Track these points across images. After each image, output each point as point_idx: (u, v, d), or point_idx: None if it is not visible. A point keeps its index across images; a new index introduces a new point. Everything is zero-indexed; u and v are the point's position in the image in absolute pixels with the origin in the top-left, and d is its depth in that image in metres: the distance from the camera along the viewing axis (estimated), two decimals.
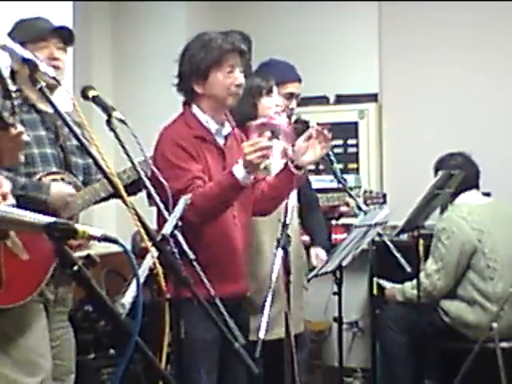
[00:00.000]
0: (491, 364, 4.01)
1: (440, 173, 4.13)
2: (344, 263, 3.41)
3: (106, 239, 1.48)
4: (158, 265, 2.13)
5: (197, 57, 2.92)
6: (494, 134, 5.12)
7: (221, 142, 2.99)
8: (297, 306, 3.27)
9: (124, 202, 2.09)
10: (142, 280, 2.05)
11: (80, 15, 5.15)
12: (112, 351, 4.31)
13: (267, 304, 2.66)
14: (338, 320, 3.57)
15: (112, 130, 2.23)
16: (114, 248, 1.52)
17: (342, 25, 5.56)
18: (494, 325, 3.97)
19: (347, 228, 4.35)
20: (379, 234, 3.57)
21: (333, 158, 3.54)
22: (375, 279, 4.08)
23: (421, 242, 4.23)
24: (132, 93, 5.40)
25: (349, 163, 5.37)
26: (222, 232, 2.90)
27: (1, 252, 2.53)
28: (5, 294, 2.57)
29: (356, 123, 5.41)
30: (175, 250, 2.29)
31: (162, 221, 2.45)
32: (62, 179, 2.80)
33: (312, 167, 4.80)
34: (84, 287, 1.50)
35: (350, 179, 5.18)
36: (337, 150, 5.16)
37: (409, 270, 3.62)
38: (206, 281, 2.31)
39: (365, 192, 4.28)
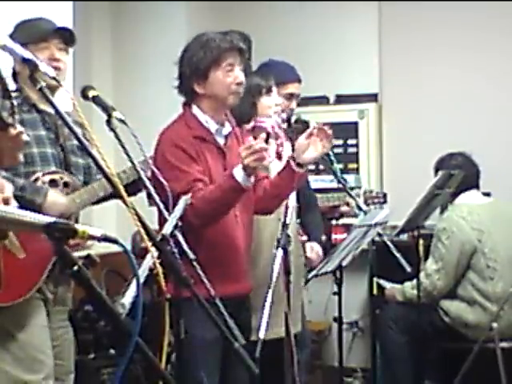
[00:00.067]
0: (491, 364, 4.01)
1: (440, 173, 4.13)
2: (344, 263, 3.41)
3: (106, 239, 1.49)
4: (157, 265, 2.13)
5: (196, 57, 2.92)
6: (494, 134, 5.12)
7: (221, 141, 2.99)
8: (294, 306, 3.26)
9: (124, 202, 2.10)
10: (142, 280, 2.05)
11: (80, 15, 5.15)
12: (112, 351, 4.31)
13: (267, 304, 2.66)
14: (338, 320, 3.57)
15: (112, 130, 2.23)
16: (114, 248, 1.52)
17: (341, 25, 5.56)
18: (494, 325, 3.98)
19: (347, 228, 4.35)
20: (379, 234, 3.57)
21: (333, 157, 3.54)
22: (375, 279, 4.07)
23: (421, 242, 4.23)
24: (132, 93, 5.40)
25: (349, 163, 5.37)
26: (224, 231, 2.90)
27: (0, 252, 2.54)
28: (3, 293, 2.58)
29: (356, 123, 5.41)
30: (175, 250, 2.30)
31: (163, 221, 2.45)
32: (61, 178, 2.80)
33: (312, 167, 4.80)
34: (84, 287, 1.50)
35: (350, 179, 5.17)
36: (337, 150, 5.16)
37: (409, 269, 3.62)
38: (206, 281, 2.32)
39: (365, 192, 4.28)
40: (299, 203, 3.65)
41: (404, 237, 4.65)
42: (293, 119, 3.62)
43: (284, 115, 3.50)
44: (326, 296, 4.37)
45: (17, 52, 2.16)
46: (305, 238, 3.81)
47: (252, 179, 2.80)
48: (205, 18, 5.54)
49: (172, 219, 2.37)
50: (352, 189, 4.01)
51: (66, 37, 2.87)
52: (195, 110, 2.97)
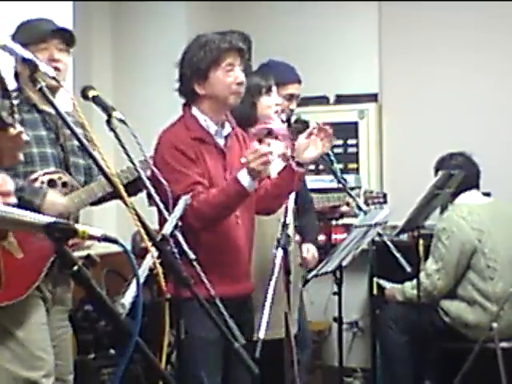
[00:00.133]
0: (491, 364, 4.01)
1: (440, 173, 4.13)
2: (344, 263, 3.41)
3: (106, 239, 1.49)
4: (158, 265, 2.13)
5: (196, 58, 2.92)
6: (494, 134, 5.12)
7: (221, 142, 2.99)
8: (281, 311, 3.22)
9: (124, 202, 2.10)
10: (142, 280, 2.05)
11: (80, 15, 5.15)
12: (112, 351, 4.31)
13: (267, 304, 2.66)
14: (338, 320, 3.57)
15: (112, 130, 2.24)
16: (114, 248, 1.52)
17: (341, 25, 5.56)
18: (494, 325, 3.97)
19: (347, 228, 4.35)
20: (379, 234, 3.57)
21: (333, 157, 3.54)
22: (375, 279, 4.07)
23: (421, 242, 4.23)
24: (132, 93, 5.40)
25: (349, 163, 5.37)
26: (224, 232, 2.91)
27: None
28: (3, 293, 2.59)
29: (356, 123, 5.41)
30: (175, 250, 2.30)
31: (163, 221, 2.45)
32: (59, 178, 2.81)
33: (312, 167, 4.80)
34: (84, 287, 1.50)
35: (350, 179, 5.17)
36: (337, 150, 5.15)
37: (409, 269, 3.62)
38: (206, 281, 2.32)
39: (365, 192, 4.28)
40: (296, 204, 3.64)
41: (404, 237, 4.65)
42: (293, 119, 3.62)
43: (284, 115, 3.50)
44: (326, 296, 4.37)
45: (17, 52, 2.16)
46: (297, 237, 3.80)
47: (256, 183, 2.81)
48: (205, 18, 5.54)
49: (172, 219, 2.37)
50: (352, 189, 4.01)
51: (66, 37, 2.87)
52: (195, 111, 2.97)
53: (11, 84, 2.80)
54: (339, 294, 3.50)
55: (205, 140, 2.95)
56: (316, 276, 3.31)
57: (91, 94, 2.34)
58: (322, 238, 4.64)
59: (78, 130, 2.24)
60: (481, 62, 5.19)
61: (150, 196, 2.34)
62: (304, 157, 2.97)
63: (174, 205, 2.47)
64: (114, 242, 1.49)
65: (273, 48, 5.00)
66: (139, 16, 5.49)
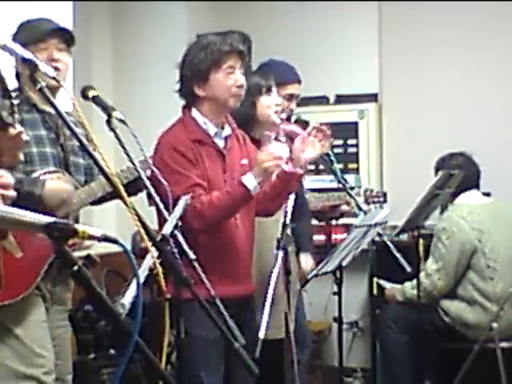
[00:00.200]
0: (491, 364, 4.01)
1: (440, 173, 4.13)
2: (344, 263, 3.41)
3: (106, 239, 1.49)
4: (158, 265, 2.13)
5: (196, 60, 2.92)
6: (494, 134, 5.12)
7: (220, 144, 2.99)
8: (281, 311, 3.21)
9: (124, 202, 2.10)
10: (142, 280, 2.05)
11: (80, 15, 5.15)
12: (112, 351, 4.31)
13: (267, 304, 2.66)
14: (338, 320, 3.57)
15: (112, 130, 2.24)
16: (114, 248, 1.52)
17: (342, 25, 5.55)
18: (494, 325, 3.97)
19: (347, 228, 4.35)
20: (379, 234, 3.57)
21: (333, 157, 3.54)
22: (375, 279, 4.08)
23: (421, 241, 4.23)
24: (132, 93, 5.40)
25: (349, 163, 5.37)
26: (223, 234, 2.91)
27: None
28: (3, 292, 2.59)
29: (356, 123, 5.41)
30: (175, 250, 2.30)
31: (163, 221, 2.45)
32: (59, 178, 2.80)
33: (312, 167, 4.80)
34: (84, 287, 1.50)
35: (350, 179, 5.18)
36: (337, 150, 5.15)
37: (409, 270, 3.62)
38: (206, 281, 2.32)
39: (365, 191, 4.28)
40: (294, 207, 3.62)
41: (404, 237, 4.65)
42: (293, 119, 3.62)
43: (284, 115, 3.50)
44: (326, 296, 4.36)
45: (17, 52, 2.16)
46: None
47: (259, 186, 2.82)
48: (205, 18, 5.54)
49: (172, 219, 2.37)
50: (352, 188, 4.01)
51: (66, 37, 2.87)
52: (194, 113, 2.98)
53: (12, 84, 2.80)
54: (339, 294, 3.50)
55: (204, 142, 2.95)
56: (316, 276, 3.31)
57: (91, 94, 2.34)
58: (321, 238, 4.64)
59: (78, 130, 2.24)
60: (481, 62, 5.19)
61: (149, 196, 2.34)
62: (302, 158, 2.97)
63: (174, 205, 2.47)
64: (114, 242, 1.49)
65: (273, 48, 5.00)
66: (139, 16, 5.49)
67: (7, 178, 1.98)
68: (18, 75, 2.84)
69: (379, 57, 5.48)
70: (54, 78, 2.19)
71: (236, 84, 2.93)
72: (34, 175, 2.76)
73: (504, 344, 4.11)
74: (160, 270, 2.14)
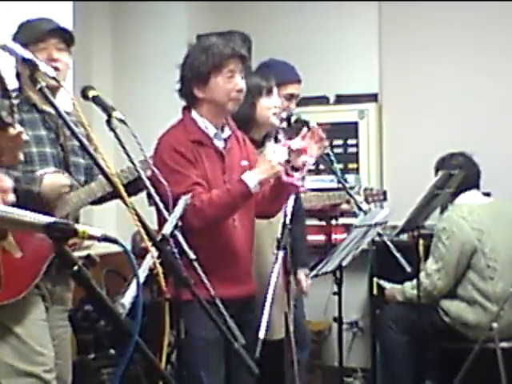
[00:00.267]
0: (491, 364, 4.01)
1: (440, 173, 4.13)
2: (344, 263, 3.41)
3: (106, 239, 1.49)
4: (158, 265, 2.13)
5: (197, 61, 2.93)
6: (495, 134, 5.12)
7: (220, 145, 3.00)
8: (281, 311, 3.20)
9: (124, 202, 2.10)
10: (142, 280, 2.05)
11: (80, 15, 5.15)
12: (112, 351, 4.31)
13: (267, 304, 2.66)
14: (338, 320, 3.57)
15: (112, 130, 2.24)
16: (114, 248, 1.52)
17: (341, 25, 5.55)
18: (494, 325, 3.97)
19: (347, 228, 4.35)
20: (379, 234, 3.56)
21: (333, 157, 3.54)
22: (375, 279, 4.07)
23: (421, 241, 4.23)
24: (132, 93, 5.40)
25: (349, 163, 5.36)
26: (221, 234, 2.91)
27: None
28: (3, 292, 2.60)
29: (356, 123, 5.41)
30: (175, 250, 2.30)
31: (163, 221, 2.45)
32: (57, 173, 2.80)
33: (312, 167, 4.79)
34: (84, 287, 1.50)
35: (350, 179, 5.18)
36: (337, 150, 5.16)
37: (409, 270, 3.62)
38: (206, 281, 2.32)
39: (365, 189, 4.28)
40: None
41: (404, 237, 4.65)
42: (293, 119, 3.62)
43: (284, 114, 3.50)
44: (326, 296, 4.36)
45: (17, 52, 2.16)
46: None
47: (259, 186, 2.82)
48: (205, 18, 5.54)
49: (172, 219, 2.37)
50: (352, 188, 4.01)
51: (65, 37, 2.87)
52: (194, 114, 2.98)
53: (12, 84, 2.80)
54: (339, 294, 3.50)
55: (204, 143, 2.95)
56: (316, 276, 3.31)
57: (91, 94, 2.34)
58: (321, 238, 4.64)
59: (78, 130, 2.24)
60: (481, 62, 5.19)
61: (149, 196, 2.34)
62: (299, 160, 2.97)
63: (174, 205, 2.47)
64: (114, 242, 1.49)
65: (273, 48, 5.00)
66: (139, 16, 5.49)
67: (6, 181, 1.98)
68: (18, 75, 2.85)
69: (379, 57, 5.48)
70: (53, 78, 2.19)
71: (235, 88, 2.93)
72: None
73: (504, 344, 4.11)
74: (160, 269, 2.14)
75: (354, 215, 3.96)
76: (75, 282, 1.58)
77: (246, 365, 2.22)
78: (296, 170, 2.96)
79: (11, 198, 1.97)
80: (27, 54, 2.17)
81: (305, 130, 3.00)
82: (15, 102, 2.73)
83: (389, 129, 5.45)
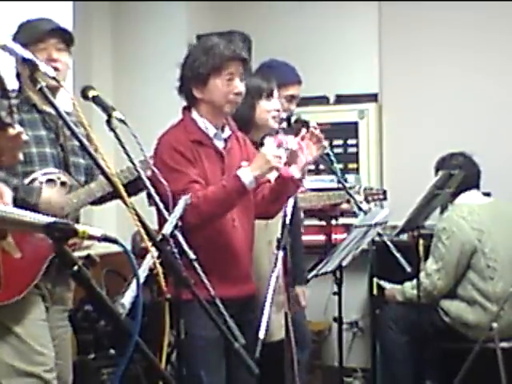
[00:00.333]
0: (491, 364, 4.01)
1: (440, 173, 4.13)
2: (344, 263, 3.40)
3: (106, 239, 1.49)
4: (158, 265, 2.13)
5: (198, 62, 2.92)
6: (495, 134, 5.12)
7: (220, 145, 3.00)
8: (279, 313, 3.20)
9: (124, 202, 2.10)
10: (142, 280, 2.05)
11: (80, 15, 5.15)
12: (112, 351, 4.31)
13: (267, 304, 2.66)
14: (338, 320, 3.57)
15: (112, 130, 2.24)
16: (114, 248, 1.52)
17: (341, 25, 5.55)
18: (494, 325, 3.97)
19: (347, 228, 4.35)
20: (379, 234, 3.56)
21: (333, 157, 3.54)
22: (375, 279, 4.07)
23: (421, 241, 4.23)
24: (132, 93, 5.40)
25: (349, 163, 5.37)
26: (220, 235, 2.91)
27: None
28: (3, 292, 2.60)
29: (356, 123, 5.41)
30: (175, 250, 2.30)
31: (163, 221, 2.45)
32: (58, 178, 2.81)
33: (312, 167, 4.80)
34: (84, 287, 1.50)
35: (350, 179, 5.18)
36: (337, 150, 5.16)
37: (409, 270, 3.62)
38: (206, 281, 2.32)
39: (365, 189, 4.28)
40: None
41: (404, 237, 4.65)
42: (293, 119, 3.62)
43: (284, 115, 3.49)
44: (326, 296, 4.37)
45: (17, 52, 2.16)
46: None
47: (255, 182, 2.81)
48: (205, 18, 5.54)
49: (172, 219, 2.37)
50: (351, 188, 4.01)
51: (65, 37, 2.87)
52: (194, 114, 2.99)
53: (12, 84, 2.80)
54: (339, 294, 3.50)
55: (203, 143, 2.95)
56: (316, 276, 3.31)
57: (91, 94, 2.34)
58: (321, 238, 4.64)
59: (78, 130, 2.24)
60: (481, 62, 5.19)
61: (149, 196, 2.34)
62: (297, 160, 2.97)
63: (174, 205, 2.47)
64: (114, 242, 1.49)
65: (273, 48, 5.00)
66: (139, 16, 5.49)
67: (5, 197, 1.98)
68: (18, 75, 2.85)
69: (379, 57, 5.48)
70: (53, 78, 2.19)
71: (234, 91, 2.93)
72: (33, 176, 2.76)
73: (504, 344, 4.11)
74: (160, 269, 2.14)
75: (354, 215, 3.96)
76: (75, 281, 1.58)
77: (246, 365, 2.22)
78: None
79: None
80: (27, 54, 2.17)
81: (304, 130, 3.00)
82: (15, 102, 2.75)
83: (389, 129, 5.45)
